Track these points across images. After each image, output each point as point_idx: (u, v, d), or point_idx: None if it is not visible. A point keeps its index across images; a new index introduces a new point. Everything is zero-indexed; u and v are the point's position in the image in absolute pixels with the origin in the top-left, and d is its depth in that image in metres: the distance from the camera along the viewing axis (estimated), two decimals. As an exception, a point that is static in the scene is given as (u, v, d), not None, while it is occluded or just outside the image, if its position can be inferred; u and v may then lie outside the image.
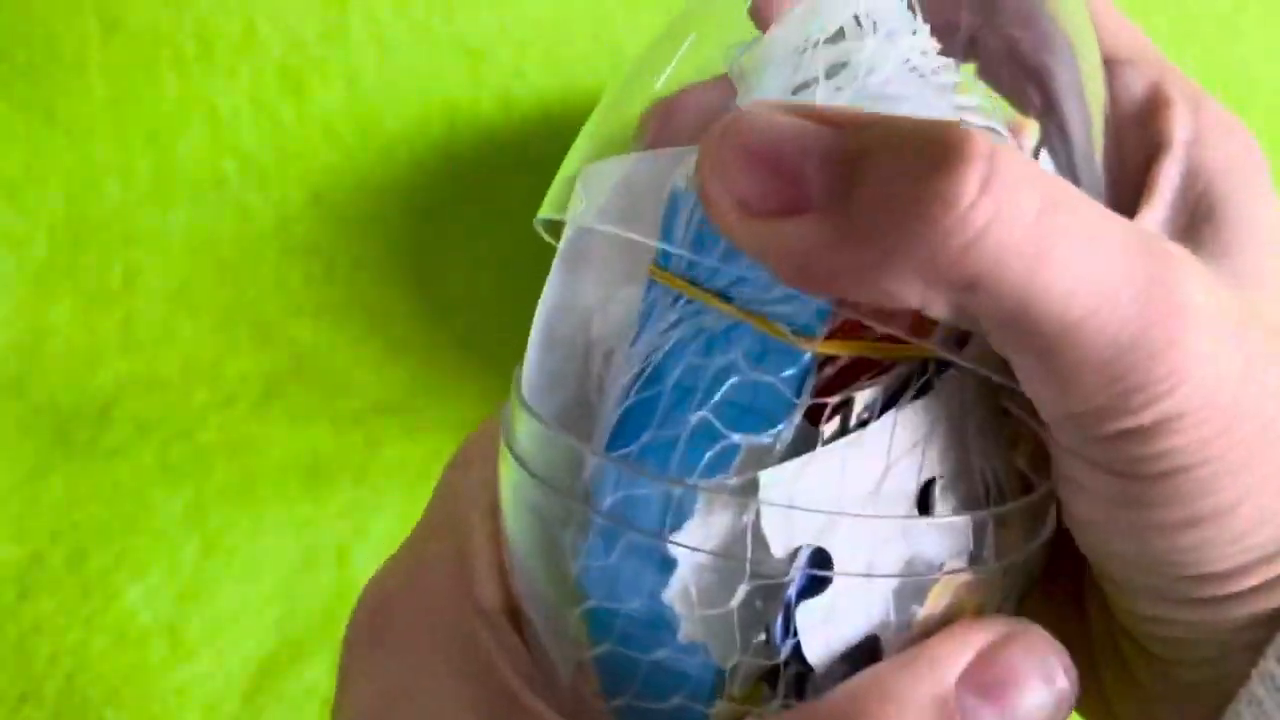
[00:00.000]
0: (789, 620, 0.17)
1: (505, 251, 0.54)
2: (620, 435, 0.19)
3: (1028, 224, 0.16)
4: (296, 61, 0.54)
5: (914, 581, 0.18)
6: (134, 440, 0.53)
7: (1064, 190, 0.17)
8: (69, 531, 0.48)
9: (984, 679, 0.18)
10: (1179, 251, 0.18)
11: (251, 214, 0.56)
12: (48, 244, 0.58)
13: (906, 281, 0.16)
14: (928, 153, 0.16)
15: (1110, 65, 0.22)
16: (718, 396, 0.18)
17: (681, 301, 0.19)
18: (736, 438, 0.18)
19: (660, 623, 0.18)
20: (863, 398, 0.18)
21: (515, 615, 0.20)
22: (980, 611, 0.19)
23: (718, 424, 0.18)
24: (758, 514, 0.17)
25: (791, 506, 0.17)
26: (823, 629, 0.17)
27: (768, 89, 0.19)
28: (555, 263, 0.21)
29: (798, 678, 0.18)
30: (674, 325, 0.19)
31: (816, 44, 0.18)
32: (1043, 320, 0.16)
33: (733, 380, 0.18)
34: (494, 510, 0.21)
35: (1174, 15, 0.53)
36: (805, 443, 0.18)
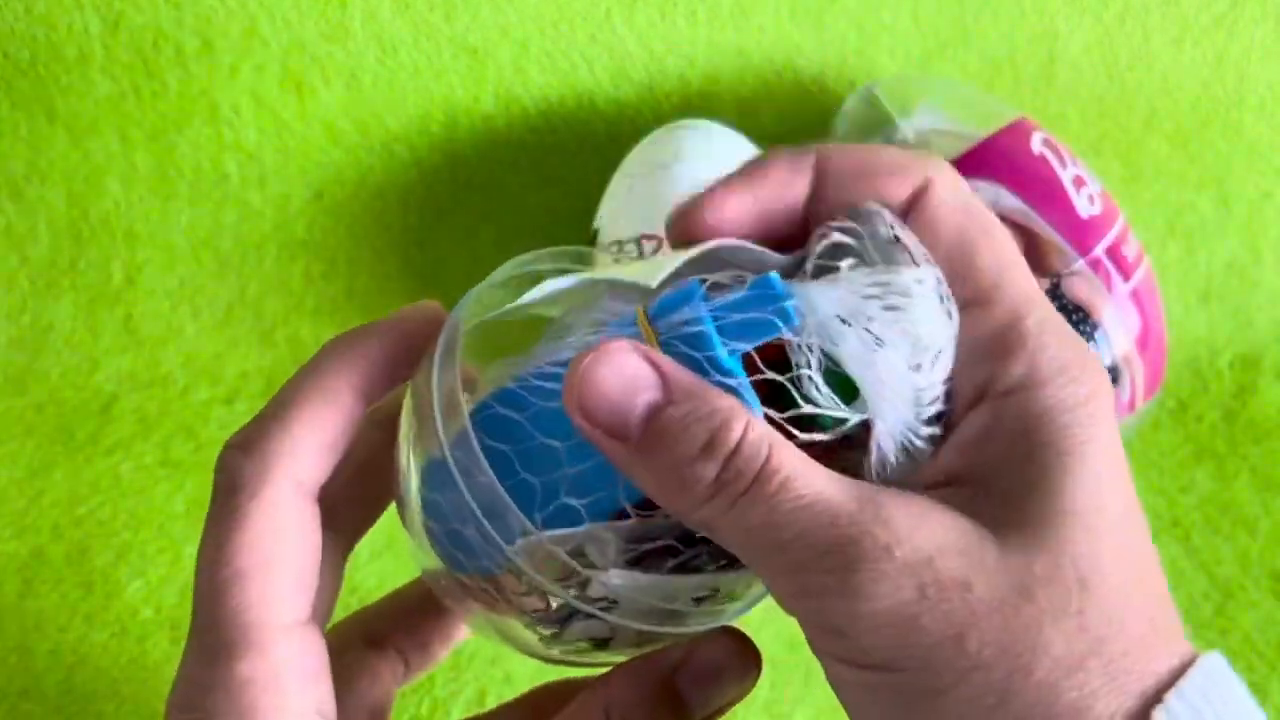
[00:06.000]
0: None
1: (505, 249, 0.55)
2: None
3: (736, 514, 0.22)
4: (298, 60, 0.54)
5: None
6: (135, 437, 0.54)
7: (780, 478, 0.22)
8: (70, 528, 0.48)
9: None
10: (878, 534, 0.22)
11: (252, 212, 0.57)
12: (49, 241, 0.58)
13: (675, 513, 0.24)
14: (695, 439, 0.22)
15: (968, 308, 0.24)
16: None
17: None
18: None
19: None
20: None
21: None
22: None
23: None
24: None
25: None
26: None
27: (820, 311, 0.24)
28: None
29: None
30: None
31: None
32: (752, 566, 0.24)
33: None
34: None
35: (1171, 16, 0.53)
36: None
